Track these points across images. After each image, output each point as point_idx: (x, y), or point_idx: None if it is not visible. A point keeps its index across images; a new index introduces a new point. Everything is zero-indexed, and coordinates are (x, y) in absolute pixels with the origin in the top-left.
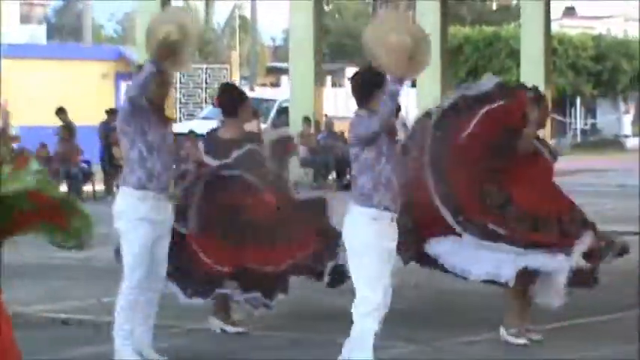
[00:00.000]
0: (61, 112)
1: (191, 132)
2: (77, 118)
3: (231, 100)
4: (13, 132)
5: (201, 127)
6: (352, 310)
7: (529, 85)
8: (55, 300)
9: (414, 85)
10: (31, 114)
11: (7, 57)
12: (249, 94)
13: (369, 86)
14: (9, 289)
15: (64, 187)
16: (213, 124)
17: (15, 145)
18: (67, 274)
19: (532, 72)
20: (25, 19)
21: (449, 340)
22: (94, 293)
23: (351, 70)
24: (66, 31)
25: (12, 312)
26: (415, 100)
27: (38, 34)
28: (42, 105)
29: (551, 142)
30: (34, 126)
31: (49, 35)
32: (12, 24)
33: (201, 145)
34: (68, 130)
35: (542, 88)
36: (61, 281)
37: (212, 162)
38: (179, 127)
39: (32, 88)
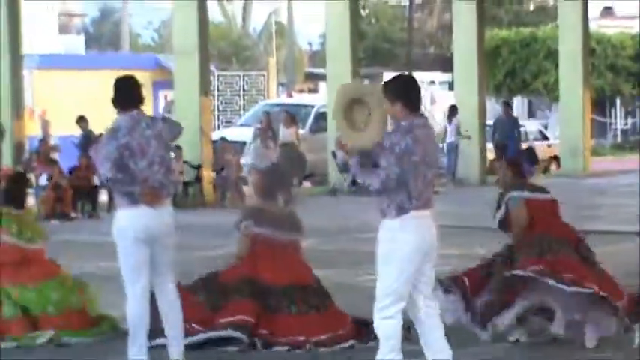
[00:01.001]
0: (81, 120)
1: (222, 139)
2: None
3: None
4: (52, 142)
5: (236, 134)
6: None
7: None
8: None
9: (451, 87)
10: (69, 124)
11: (42, 68)
12: (287, 100)
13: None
14: None
15: (104, 195)
16: (249, 131)
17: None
18: (102, 284)
19: (570, 73)
20: (63, 29)
21: None
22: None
23: (388, 75)
24: (104, 41)
25: None
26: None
27: (76, 44)
28: (79, 114)
29: (592, 142)
30: (71, 136)
31: (88, 45)
32: (50, 35)
33: (234, 148)
34: (87, 139)
35: (580, 88)
36: (97, 292)
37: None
38: (215, 135)
39: (69, 98)
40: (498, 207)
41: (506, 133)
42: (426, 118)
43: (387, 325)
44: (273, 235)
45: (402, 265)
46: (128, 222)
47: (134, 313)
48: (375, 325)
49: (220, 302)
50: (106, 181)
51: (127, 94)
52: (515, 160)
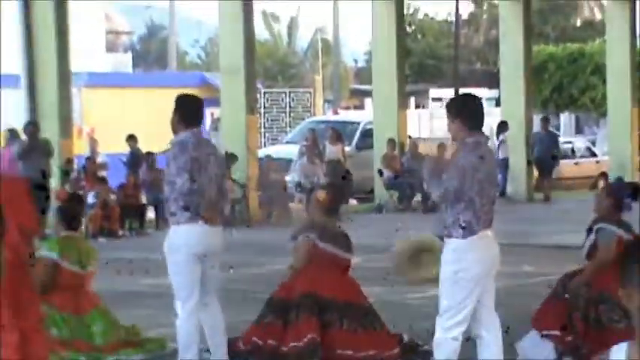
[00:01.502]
0: (131, 139)
1: (268, 156)
2: (161, 145)
3: None
4: (99, 159)
5: (282, 151)
6: None
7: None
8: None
9: (498, 104)
10: (116, 142)
11: (90, 86)
12: (333, 117)
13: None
14: None
15: (151, 213)
16: (295, 148)
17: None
18: (150, 302)
19: (618, 88)
20: (110, 47)
21: None
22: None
23: (434, 92)
24: (151, 59)
25: None
26: (500, 118)
27: (124, 62)
28: (127, 132)
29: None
30: (119, 154)
31: (135, 63)
32: (98, 53)
33: (280, 166)
34: (135, 157)
35: (628, 104)
36: (145, 309)
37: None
38: (261, 152)
39: (116, 116)
40: (588, 233)
41: (545, 148)
42: (487, 136)
43: (450, 346)
44: (335, 252)
45: (469, 286)
46: (184, 238)
47: (186, 330)
48: (437, 342)
49: (287, 318)
50: (187, 191)
51: (190, 111)
52: (617, 190)
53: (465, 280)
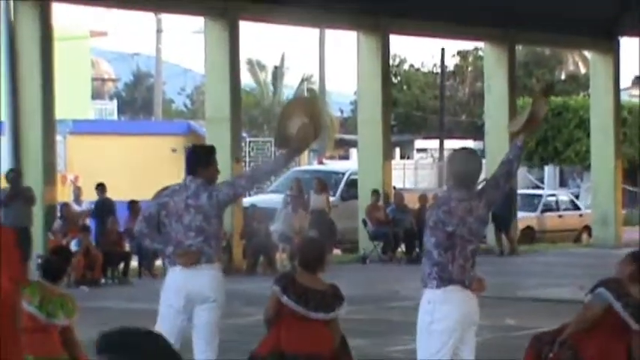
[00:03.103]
0: (98, 187)
1: (253, 205)
2: (147, 193)
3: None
4: (83, 207)
5: (266, 200)
6: None
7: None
8: None
9: (483, 156)
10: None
11: (75, 133)
12: (319, 166)
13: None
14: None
15: (135, 262)
16: (279, 197)
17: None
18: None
19: (602, 143)
20: (96, 94)
21: None
22: None
23: (419, 142)
24: (137, 106)
25: None
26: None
27: (109, 109)
28: (111, 180)
29: (623, 212)
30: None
31: (120, 110)
32: (83, 100)
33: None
34: (103, 206)
35: (612, 158)
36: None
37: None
38: (245, 201)
39: (101, 163)
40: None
41: (501, 204)
42: (473, 192)
43: None
44: (297, 309)
45: (443, 338)
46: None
47: None
48: None
49: None
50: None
51: (187, 160)
52: None
53: (438, 331)
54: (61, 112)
